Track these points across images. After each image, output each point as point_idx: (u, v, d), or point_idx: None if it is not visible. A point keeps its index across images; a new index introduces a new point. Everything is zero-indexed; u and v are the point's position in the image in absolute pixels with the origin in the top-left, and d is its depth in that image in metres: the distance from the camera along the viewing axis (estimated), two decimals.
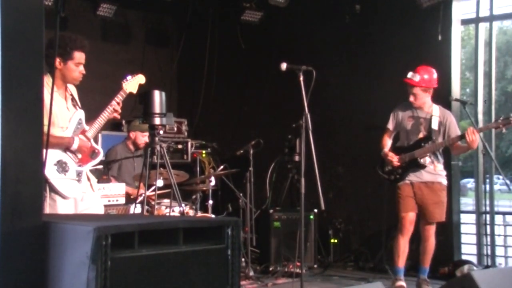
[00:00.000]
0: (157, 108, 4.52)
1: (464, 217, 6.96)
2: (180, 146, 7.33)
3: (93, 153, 4.12)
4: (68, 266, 2.36)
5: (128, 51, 7.99)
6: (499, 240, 6.77)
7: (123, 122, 6.93)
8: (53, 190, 3.85)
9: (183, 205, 5.05)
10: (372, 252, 6.66)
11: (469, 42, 15.96)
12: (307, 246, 6.33)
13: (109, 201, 5.42)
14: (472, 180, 12.01)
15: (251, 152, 6.51)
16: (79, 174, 4.01)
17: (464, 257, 6.40)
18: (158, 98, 4.53)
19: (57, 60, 3.89)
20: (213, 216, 6.18)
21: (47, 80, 3.68)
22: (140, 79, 4.32)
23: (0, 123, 2.28)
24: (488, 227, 6.48)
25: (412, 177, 5.35)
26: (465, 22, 7.00)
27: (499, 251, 6.72)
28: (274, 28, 7.52)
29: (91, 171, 4.25)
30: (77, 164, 4.01)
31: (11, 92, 2.33)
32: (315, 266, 6.47)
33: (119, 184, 5.71)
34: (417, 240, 5.47)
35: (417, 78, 5.30)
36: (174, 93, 8.24)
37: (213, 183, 6.38)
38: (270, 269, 6.22)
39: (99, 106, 4.20)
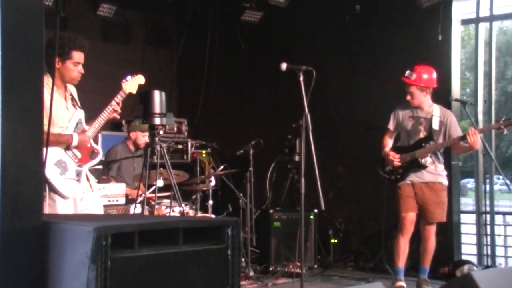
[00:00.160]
0: (157, 108, 4.52)
1: (464, 217, 6.96)
2: (180, 146, 7.34)
3: (92, 153, 4.12)
4: (68, 266, 2.36)
5: (128, 51, 7.99)
6: (499, 240, 6.77)
7: (123, 122, 6.93)
8: (53, 190, 3.85)
9: (183, 205, 5.05)
10: (372, 252, 6.66)
11: (469, 42, 15.96)
12: (307, 246, 6.33)
13: (109, 201, 5.43)
14: (472, 180, 12.02)
15: (251, 152, 6.51)
16: (78, 174, 4.01)
17: (464, 257, 6.40)
18: (158, 98, 4.53)
19: (56, 60, 3.89)
20: (213, 216, 6.17)
21: (47, 80, 3.68)
22: (140, 79, 4.32)
23: (0, 123, 2.28)
24: (488, 227, 6.47)
25: (413, 177, 5.34)
26: (465, 22, 7.00)
27: (499, 251, 6.72)
28: (274, 28, 7.53)
29: (90, 171, 4.25)
30: (76, 164, 4.01)
31: (11, 92, 2.33)
32: (315, 266, 6.47)
33: (119, 184, 5.71)
34: (417, 240, 5.47)
35: (413, 76, 5.30)
36: (174, 93, 8.24)
37: (213, 183, 6.38)
38: (270, 269, 6.22)
39: (99, 106, 4.20)
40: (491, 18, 6.79)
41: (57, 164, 3.89)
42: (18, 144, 2.36)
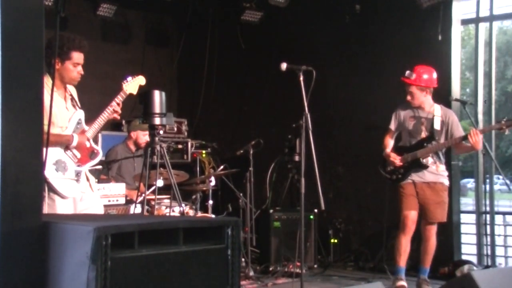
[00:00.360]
0: (157, 108, 4.52)
1: (464, 217, 6.95)
2: (180, 146, 7.33)
3: (92, 153, 4.12)
4: (68, 266, 2.36)
5: (128, 51, 7.99)
6: (499, 240, 6.77)
7: (123, 122, 6.93)
8: (52, 189, 3.85)
9: (183, 205, 5.05)
10: (372, 252, 6.66)
11: (469, 42, 15.97)
12: (307, 246, 6.33)
13: (109, 201, 5.42)
14: (472, 180, 12.02)
15: (251, 152, 6.51)
16: (78, 174, 4.01)
17: (464, 257, 6.40)
18: (158, 98, 4.53)
19: (55, 60, 3.88)
20: (213, 216, 6.17)
21: (46, 81, 3.68)
22: (141, 80, 4.32)
23: (0, 123, 2.28)
24: (488, 227, 6.47)
25: (415, 177, 5.35)
26: (465, 22, 7.00)
27: (499, 251, 6.72)
28: (274, 28, 7.52)
29: (91, 171, 4.25)
30: (76, 164, 4.01)
31: (11, 92, 2.33)
32: (315, 266, 6.47)
33: (119, 184, 5.71)
34: (417, 240, 5.47)
35: (413, 76, 5.31)
36: (174, 93, 8.24)
37: (213, 183, 6.38)
38: (270, 269, 6.22)
39: (99, 106, 4.20)
40: (491, 18, 6.79)
41: (56, 164, 3.89)
42: (18, 144, 2.36)
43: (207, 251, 2.62)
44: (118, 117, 4.23)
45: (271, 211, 6.49)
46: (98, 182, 5.32)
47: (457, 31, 6.50)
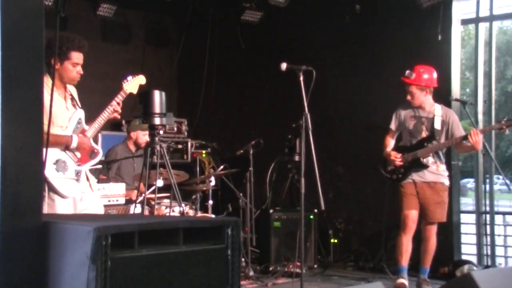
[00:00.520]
0: (157, 108, 4.52)
1: (464, 217, 6.95)
2: (180, 146, 7.33)
3: (92, 153, 4.12)
4: (68, 266, 2.36)
5: (128, 51, 7.99)
6: (499, 240, 6.77)
7: (123, 122, 6.93)
8: (52, 189, 3.85)
9: (183, 205, 5.05)
10: (372, 252, 6.66)
11: (469, 42, 15.98)
12: (307, 246, 6.33)
13: (109, 201, 5.42)
14: (472, 180, 12.02)
15: (251, 152, 6.51)
16: (78, 173, 4.01)
17: (464, 257, 6.40)
18: (158, 98, 4.52)
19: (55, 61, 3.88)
20: (213, 216, 6.17)
21: (46, 80, 3.68)
22: (141, 79, 4.32)
23: (0, 123, 2.28)
24: (488, 227, 6.47)
25: (415, 176, 5.35)
26: (465, 22, 7.00)
27: (499, 251, 6.72)
28: (274, 28, 7.52)
29: (90, 171, 4.24)
30: (76, 164, 4.01)
31: (11, 92, 2.33)
32: (315, 266, 6.47)
33: (119, 184, 5.71)
34: (417, 240, 5.47)
35: (413, 76, 5.31)
36: (174, 93, 8.24)
37: (213, 183, 6.38)
38: (270, 269, 6.22)
39: (99, 106, 4.20)
40: (491, 18, 6.79)
41: (56, 164, 3.89)
42: (18, 144, 2.36)
43: (207, 251, 2.62)
44: (119, 117, 4.23)
45: (271, 211, 6.48)
46: (98, 182, 5.32)
47: (457, 31, 6.50)
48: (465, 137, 5.19)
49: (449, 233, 6.21)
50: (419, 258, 5.45)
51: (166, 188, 5.29)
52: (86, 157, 4.08)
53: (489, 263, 6.09)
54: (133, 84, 4.26)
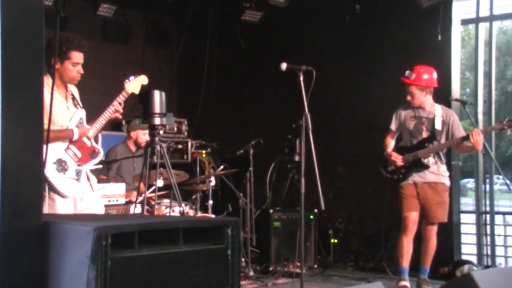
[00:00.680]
0: (157, 108, 4.52)
1: (464, 217, 6.95)
2: (180, 146, 7.33)
3: (93, 153, 4.12)
4: (68, 266, 2.36)
5: (128, 51, 7.99)
6: (499, 240, 6.77)
7: (123, 122, 6.93)
8: (52, 189, 3.85)
9: (183, 205, 5.05)
10: (372, 252, 6.66)
11: (469, 42, 15.98)
12: (307, 246, 6.33)
13: (109, 201, 5.42)
14: (472, 180, 12.01)
15: (251, 152, 6.51)
16: (78, 173, 4.01)
17: (464, 257, 6.40)
18: (158, 98, 4.52)
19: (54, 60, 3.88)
20: (213, 216, 6.17)
21: (47, 80, 3.69)
22: (143, 79, 4.32)
23: (0, 123, 2.28)
24: (488, 227, 6.47)
25: (416, 177, 5.34)
26: (465, 22, 7.00)
27: (499, 251, 6.71)
28: (274, 28, 7.52)
29: (91, 171, 4.24)
30: (76, 164, 4.01)
31: (11, 92, 2.33)
32: (315, 266, 6.47)
33: (119, 184, 5.70)
34: (418, 240, 5.47)
35: (413, 76, 5.31)
36: (174, 93, 8.24)
37: (213, 183, 6.37)
38: (270, 269, 6.22)
39: (99, 106, 4.20)
40: (491, 18, 6.79)
41: (57, 163, 3.89)
42: (18, 144, 2.36)
43: (207, 251, 2.62)
44: (120, 117, 4.24)
45: (271, 211, 6.49)
46: (98, 182, 5.32)
47: (457, 31, 6.50)
48: (466, 138, 5.19)
49: (449, 233, 6.21)
50: (419, 258, 5.45)
51: (166, 188, 5.29)
52: (86, 157, 4.08)
53: (489, 263, 6.10)
54: (135, 84, 4.26)
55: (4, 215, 2.29)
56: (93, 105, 4.46)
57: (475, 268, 5.91)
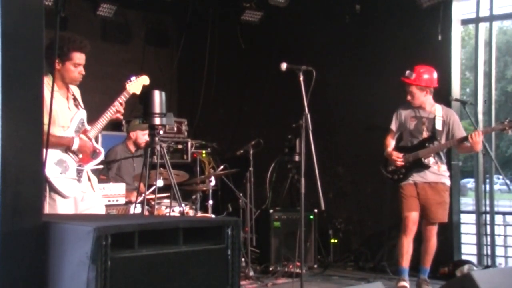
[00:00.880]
0: (157, 108, 4.52)
1: (464, 217, 6.95)
2: (180, 146, 7.33)
3: (94, 153, 4.12)
4: (68, 266, 2.36)
5: (128, 51, 7.99)
6: (499, 240, 6.77)
7: (123, 122, 6.92)
8: (53, 189, 3.85)
9: (183, 205, 5.05)
10: (372, 252, 6.66)
11: (469, 42, 15.99)
12: (307, 246, 6.33)
13: (109, 201, 5.42)
14: (472, 180, 12.01)
15: (251, 152, 6.51)
16: (79, 173, 4.00)
17: (464, 257, 6.40)
18: (158, 98, 4.52)
19: (56, 61, 3.88)
20: (213, 216, 6.17)
21: (48, 81, 3.68)
22: (144, 80, 4.32)
23: (0, 123, 2.28)
24: (488, 227, 6.47)
25: (416, 177, 5.34)
26: (465, 22, 7.00)
27: (499, 251, 6.72)
28: (274, 28, 7.52)
29: (92, 171, 4.24)
30: (77, 164, 4.01)
31: (11, 92, 2.33)
32: (315, 266, 6.47)
33: (119, 184, 5.71)
34: (418, 240, 5.47)
35: (413, 76, 5.31)
36: (174, 93, 8.24)
37: (213, 183, 6.37)
38: (270, 269, 6.22)
39: (99, 106, 4.20)
40: (491, 18, 6.79)
41: (57, 164, 3.89)
42: (18, 144, 2.36)
43: (207, 251, 2.62)
44: (121, 117, 4.23)
45: (271, 211, 6.49)
46: (98, 182, 5.32)
47: (457, 31, 6.50)
48: (465, 138, 5.19)
49: (449, 233, 6.21)
50: (419, 258, 5.45)
51: (166, 188, 5.29)
52: (87, 157, 4.08)
53: (489, 263, 6.10)
54: (136, 84, 4.26)
55: (4, 215, 2.29)
56: (93, 105, 4.45)
57: (475, 268, 5.91)
